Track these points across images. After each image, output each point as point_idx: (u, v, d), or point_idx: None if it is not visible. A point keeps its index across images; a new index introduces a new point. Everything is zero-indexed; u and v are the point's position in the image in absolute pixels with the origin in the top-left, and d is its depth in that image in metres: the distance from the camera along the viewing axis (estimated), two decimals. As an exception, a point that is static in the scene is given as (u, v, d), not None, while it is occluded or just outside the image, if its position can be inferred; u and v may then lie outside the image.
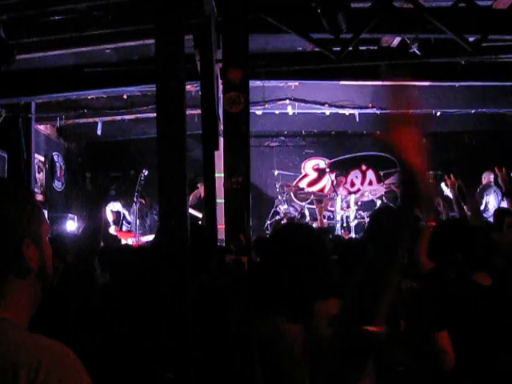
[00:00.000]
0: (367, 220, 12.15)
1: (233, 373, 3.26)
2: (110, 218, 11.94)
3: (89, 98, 12.01)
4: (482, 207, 11.61)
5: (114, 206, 12.06)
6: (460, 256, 4.34)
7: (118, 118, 12.65)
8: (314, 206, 12.78)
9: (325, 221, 11.88)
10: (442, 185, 10.83)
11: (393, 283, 2.22)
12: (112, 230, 11.85)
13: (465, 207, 7.52)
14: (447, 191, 9.93)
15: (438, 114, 12.73)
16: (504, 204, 11.29)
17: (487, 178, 12.37)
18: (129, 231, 11.88)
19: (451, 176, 9.55)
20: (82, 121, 12.81)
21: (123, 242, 11.40)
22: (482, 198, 12.09)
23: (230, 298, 3.28)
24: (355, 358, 2.49)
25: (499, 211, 7.81)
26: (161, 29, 3.33)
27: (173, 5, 3.33)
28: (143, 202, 11.66)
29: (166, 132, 3.22)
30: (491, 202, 11.74)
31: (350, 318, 2.37)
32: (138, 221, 11.35)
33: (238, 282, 3.16)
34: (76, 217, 12.57)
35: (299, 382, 2.98)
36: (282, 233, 3.35)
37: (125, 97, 11.96)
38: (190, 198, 11.47)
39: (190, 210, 11.59)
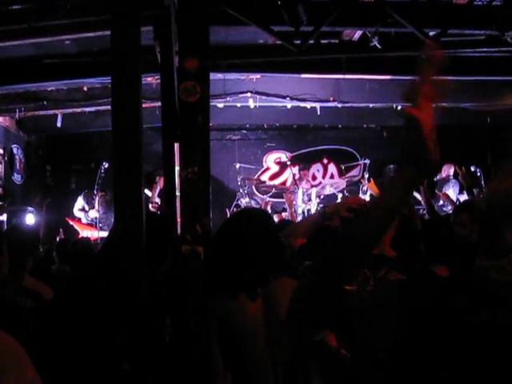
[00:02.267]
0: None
1: (190, 363, 3.25)
2: (79, 215, 11.94)
3: (48, 89, 11.88)
4: (441, 202, 11.73)
5: (79, 203, 11.99)
6: (422, 247, 4.45)
7: (79, 110, 12.54)
8: (275, 199, 12.84)
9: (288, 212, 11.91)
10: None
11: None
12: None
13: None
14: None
15: (399, 107, 12.82)
16: (462, 197, 11.44)
17: (447, 171, 12.51)
18: (89, 224, 11.81)
19: None
20: (41, 113, 12.67)
21: (83, 234, 11.39)
22: (441, 190, 12.22)
23: (185, 289, 3.27)
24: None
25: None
26: (116, 19, 3.30)
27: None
28: (104, 195, 11.60)
29: (122, 123, 3.20)
30: (450, 195, 11.85)
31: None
32: (98, 214, 11.32)
33: (193, 272, 3.16)
34: (35, 210, 12.44)
35: (262, 362, 3.02)
36: (233, 217, 3.43)
37: (85, 89, 11.85)
38: (151, 193, 11.49)
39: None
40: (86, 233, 11.47)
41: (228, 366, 3.08)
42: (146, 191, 10.49)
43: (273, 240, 3.23)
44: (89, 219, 11.87)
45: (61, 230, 11.33)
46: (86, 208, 11.92)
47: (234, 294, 3.09)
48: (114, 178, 3.16)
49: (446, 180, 12.43)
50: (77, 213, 11.95)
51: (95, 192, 11.28)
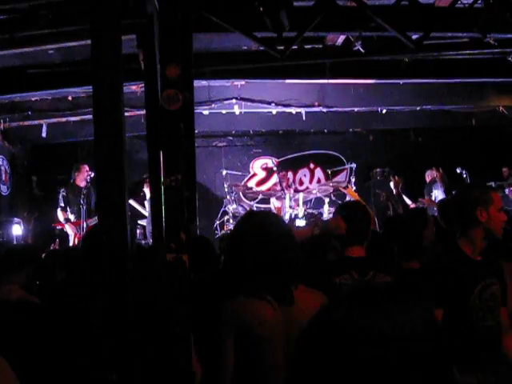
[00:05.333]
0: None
1: (175, 372, 3.24)
2: (61, 217, 11.84)
3: (33, 99, 11.84)
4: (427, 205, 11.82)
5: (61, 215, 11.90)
6: (395, 246, 4.55)
7: (64, 119, 12.49)
8: (262, 205, 12.82)
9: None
10: (391, 184, 11.12)
11: None
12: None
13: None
14: (394, 189, 10.16)
15: (384, 111, 12.86)
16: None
17: (430, 175, 12.64)
18: (72, 222, 11.68)
19: (395, 176, 9.83)
20: (26, 123, 12.61)
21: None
22: (431, 192, 12.34)
23: (171, 298, 3.26)
24: None
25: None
26: (96, 28, 3.30)
27: (109, 4, 3.29)
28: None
29: (104, 132, 3.19)
30: (439, 195, 11.95)
31: None
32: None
33: (179, 280, 3.15)
34: (22, 221, 12.37)
35: (277, 369, 3.01)
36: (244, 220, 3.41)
37: (70, 98, 11.82)
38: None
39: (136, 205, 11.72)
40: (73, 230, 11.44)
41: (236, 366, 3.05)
42: (132, 202, 10.52)
43: (286, 243, 3.20)
44: (70, 217, 11.74)
45: (57, 240, 11.30)
46: (62, 204, 11.79)
47: (251, 299, 3.07)
48: (98, 187, 3.16)
49: (432, 182, 12.53)
50: (60, 216, 11.80)
51: (81, 202, 11.19)
